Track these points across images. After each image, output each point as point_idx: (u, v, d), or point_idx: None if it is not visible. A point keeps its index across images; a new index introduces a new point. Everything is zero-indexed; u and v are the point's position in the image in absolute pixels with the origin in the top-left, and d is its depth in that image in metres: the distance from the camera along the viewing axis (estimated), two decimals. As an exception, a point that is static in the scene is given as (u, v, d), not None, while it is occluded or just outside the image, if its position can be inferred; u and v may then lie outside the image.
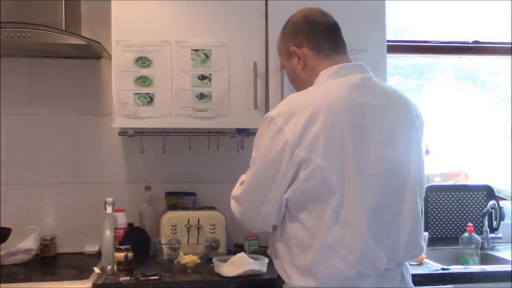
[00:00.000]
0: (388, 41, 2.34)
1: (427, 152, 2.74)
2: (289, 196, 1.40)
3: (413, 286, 1.57)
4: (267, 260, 2.01)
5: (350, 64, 1.55)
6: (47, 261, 2.31)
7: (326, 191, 1.36)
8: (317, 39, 1.54)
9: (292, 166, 1.37)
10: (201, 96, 2.20)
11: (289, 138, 1.36)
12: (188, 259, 2.02)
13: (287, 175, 1.38)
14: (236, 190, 1.56)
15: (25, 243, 2.24)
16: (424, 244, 1.55)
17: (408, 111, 1.52)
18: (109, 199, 2.19)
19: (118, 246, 2.03)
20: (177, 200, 2.42)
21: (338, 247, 1.37)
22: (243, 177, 1.56)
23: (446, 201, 2.73)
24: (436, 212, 2.71)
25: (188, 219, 2.28)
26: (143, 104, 2.18)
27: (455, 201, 2.73)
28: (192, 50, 2.20)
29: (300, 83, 1.61)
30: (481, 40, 2.89)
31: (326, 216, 1.36)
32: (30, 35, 2.03)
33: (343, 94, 1.43)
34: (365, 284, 1.42)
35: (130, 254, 1.98)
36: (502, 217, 2.67)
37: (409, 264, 1.64)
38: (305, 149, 1.35)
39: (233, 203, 1.56)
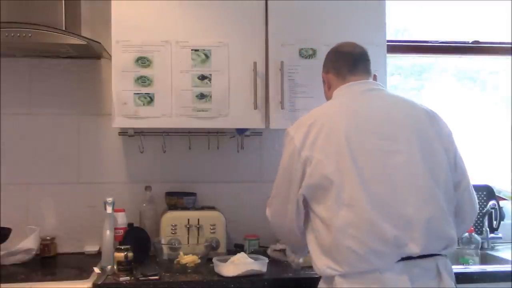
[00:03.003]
0: (388, 41, 2.34)
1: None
2: (302, 192, 1.61)
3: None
4: (267, 260, 2.02)
5: (360, 82, 1.73)
6: (47, 261, 2.31)
7: (326, 181, 1.55)
8: (339, 65, 1.78)
9: (300, 166, 1.60)
10: (201, 96, 2.20)
11: (296, 144, 1.62)
12: (188, 259, 2.02)
13: (297, 174, 1.61)
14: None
15: (25, 243, 2.24)
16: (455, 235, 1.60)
17: (415, 113, 1.67)
18: (109, 199, 2.19)
19: (118, 246, 2.03)
20: (177, 200, 2.42)
21: (348, 228, 1.51)
22: None
23: (446, 201, 2.71)
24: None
25: (188, 219, 2.28)
26: (143, 104, 2.18)
27: (455, 201, 2.72)
28: (192, 50, 2.20)
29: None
30: (481, 40, 2.88)
31: (332, 203, 1.54)
32: (30, 35, 2.03)
33: (342, 101, 1.70)
34: (393, 268, 1.50)
35: (130, 254, 1.99)
36: (502, 217, 2.67)
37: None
38: (308, 149, 1.59)
39: (267, 210, 1.80)
